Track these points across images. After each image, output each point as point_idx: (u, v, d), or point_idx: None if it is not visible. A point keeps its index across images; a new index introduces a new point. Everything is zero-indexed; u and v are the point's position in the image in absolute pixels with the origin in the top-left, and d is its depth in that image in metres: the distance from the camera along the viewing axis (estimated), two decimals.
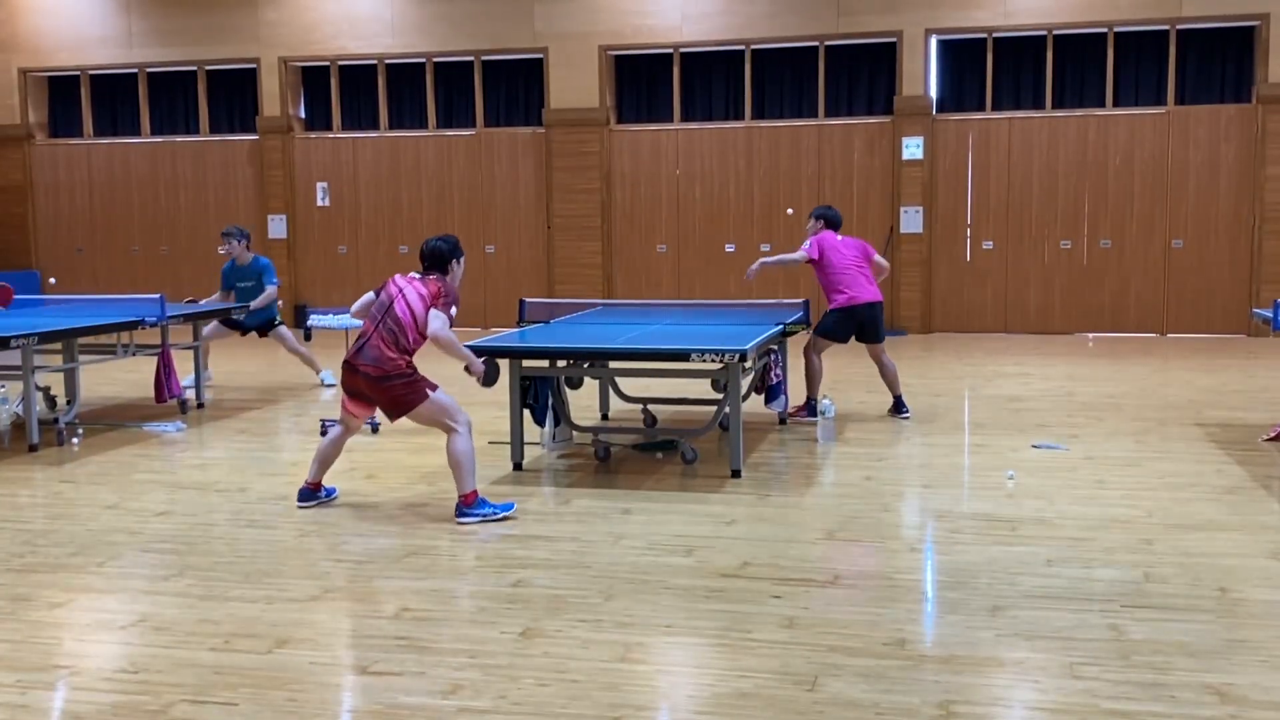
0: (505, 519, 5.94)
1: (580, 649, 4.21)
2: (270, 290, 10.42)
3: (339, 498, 6.43)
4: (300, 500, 6.28)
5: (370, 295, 6.24)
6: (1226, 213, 14.29)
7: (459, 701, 3.78)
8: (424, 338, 5.98)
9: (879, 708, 3.69)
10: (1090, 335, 14.49)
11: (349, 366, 6.00)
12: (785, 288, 14.57)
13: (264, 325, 10.52)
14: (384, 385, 5.92)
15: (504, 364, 7.13)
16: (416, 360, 6.04)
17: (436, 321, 5.89)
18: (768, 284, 14.70)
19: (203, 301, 10.62)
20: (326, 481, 6.41)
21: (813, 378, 8.89)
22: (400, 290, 6.06)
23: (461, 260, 6.29)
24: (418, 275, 6.16)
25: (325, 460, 6.29)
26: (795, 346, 9.03)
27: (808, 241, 8.91)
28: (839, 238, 8.90)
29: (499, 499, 6.16)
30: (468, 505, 5.92)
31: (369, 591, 4.94)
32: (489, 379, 6.31)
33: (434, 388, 5.99)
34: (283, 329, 10.58)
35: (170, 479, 7.11)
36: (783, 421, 8.64)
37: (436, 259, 6.18)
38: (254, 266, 10.50)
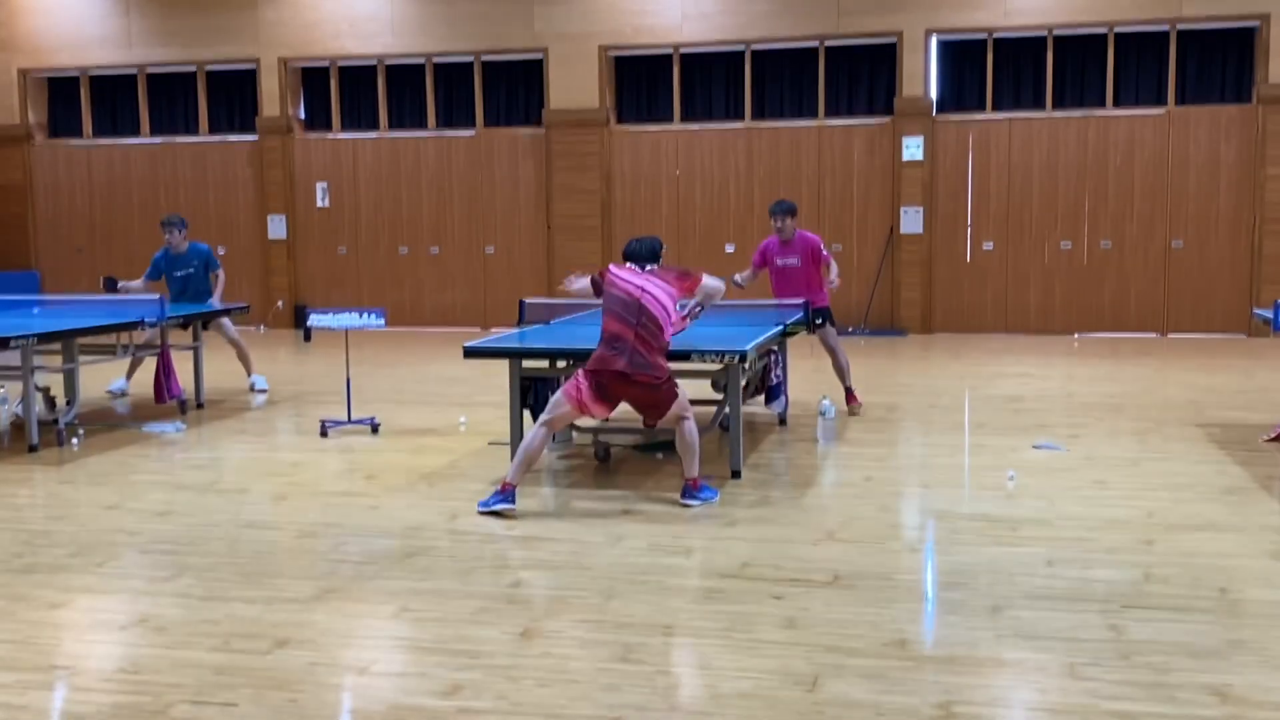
0: (714, 504, 6.18)
1: (580, 649, 4.21)
2: (221, 275, 10.27)
3: (341, 500, 6.42)
4: (494, 503, 6.01)
5: (585, 282, 6.39)
6: (1226, 213, 14.30)
7: (459, 701, 3.77)
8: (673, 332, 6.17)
9: (879, 708, 3.69)
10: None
11: (610, 374, 5.99)
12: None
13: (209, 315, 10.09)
14: (652, 392, 6.07)
15: (503, 364, 7.14)
16: None
17: (710, 282, 6.28)
18: (767, 284, 14.70)
19: (128, 283, 10.12)
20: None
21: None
22: (643, 289, 6.11)
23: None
24: (646, 267, 6.25)
25: (530, 461, 6.16)
26: (795, 347, 9.03)
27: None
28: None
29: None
30: (694, 488, 6.15)
31: (369, 591, 4.93)
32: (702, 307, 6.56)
33: (678, 385, 6.18)
34: (225, 319, 10.27)
35: (170, 479, 7.11)
36: (783, 421, 8.64)
37: (653, 253, 6.31)
38: (192, 253, 10.19)
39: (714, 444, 7.74)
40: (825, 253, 9.19)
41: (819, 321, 8.93)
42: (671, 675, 4.08)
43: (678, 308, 6.26)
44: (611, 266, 6.31)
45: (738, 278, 9.05)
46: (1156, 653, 4.09)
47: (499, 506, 5.96)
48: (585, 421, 8.15)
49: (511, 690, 3.86)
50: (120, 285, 10.05)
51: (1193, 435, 8.03)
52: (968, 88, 14.99)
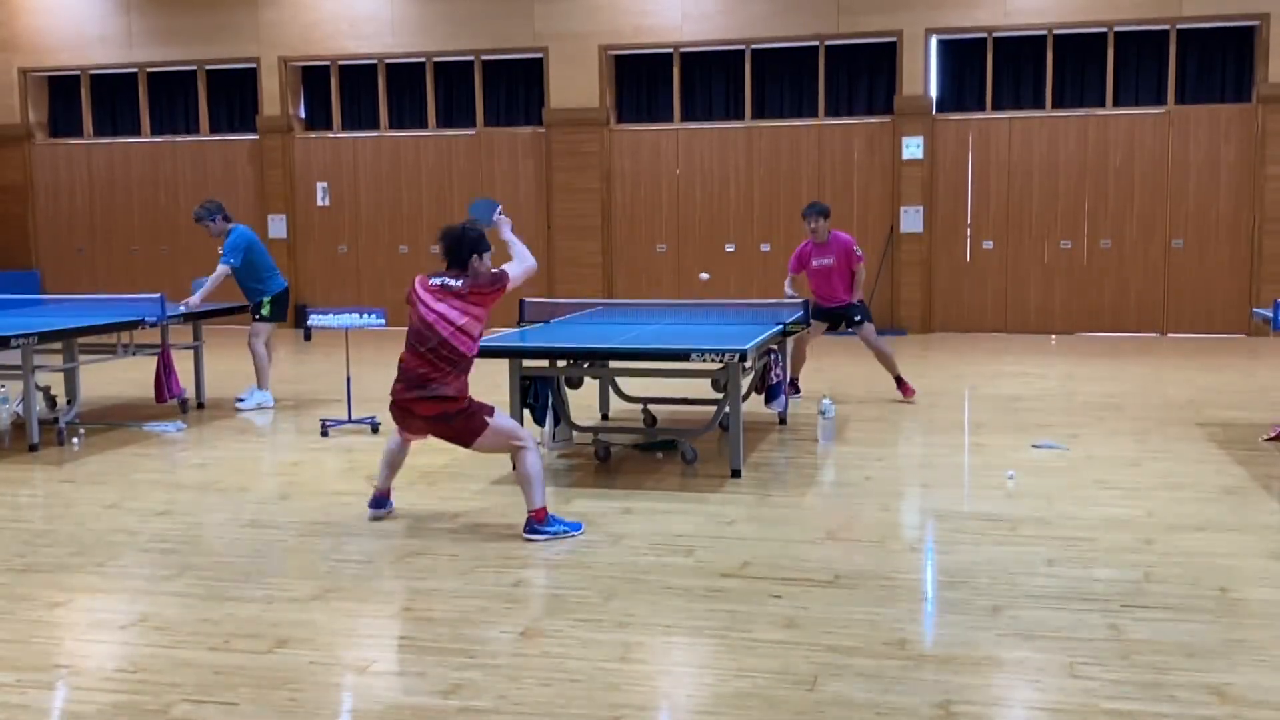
0: (574, 536, 5.61)
1: (580, 649, 4.21)
2: (219, 270, 9.33)
3: (341, 500, 6.42)
4: (372, 508, 6.01)
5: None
6: (1226, 213, 14.29)
7: (459, 701, 3.78)
8: (474, 342, 5.60)
9: (879, 708, 3.69)
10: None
11: (402, 408, 5.62)
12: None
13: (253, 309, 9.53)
14: (443, 424, 5.60)
15: (503, 364, 7.14)
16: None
17: (513, 270, 5.74)
18: (768, 282, 14.71)
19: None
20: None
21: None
22: (429, 308, 5.57)
23: (487, 254, 5.74)
24: (437, 281, 5.63)
25: (394, 465, 6.03)
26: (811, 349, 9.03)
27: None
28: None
29: (499, 498, 6.15)
30: (539, 522, 5.57)
31: (369, 591, 4.94)
32: (481, 210, 6.07)
33: (490, 412, 5.64)
34: (261, 325, 9.56)
35: (170, 479, 7.11)
36: (783, 421, 8.64)
37: (466, 245, 5.65)
38: (228, 240, 9.41)
39: (714, 444, 7.75)
40: (858, 252, 9.54)
41: (857, 319, 9.23)
42: (671, 675, 4.08)
43: (505, 270, 5.69)
44: (418, 281, 5.70)
45: (788, 290, 9.48)
46: (1156, 652, 4.10)
47: (381, 513, 5.98)
48: (585, 421, 8.16)
49: (511, 690, 3.86)
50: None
51: (1193, 435, 8.03)
52: (967, 87, 14.99)
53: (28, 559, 5.41)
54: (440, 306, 5.55)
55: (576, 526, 5.70)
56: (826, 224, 9.50)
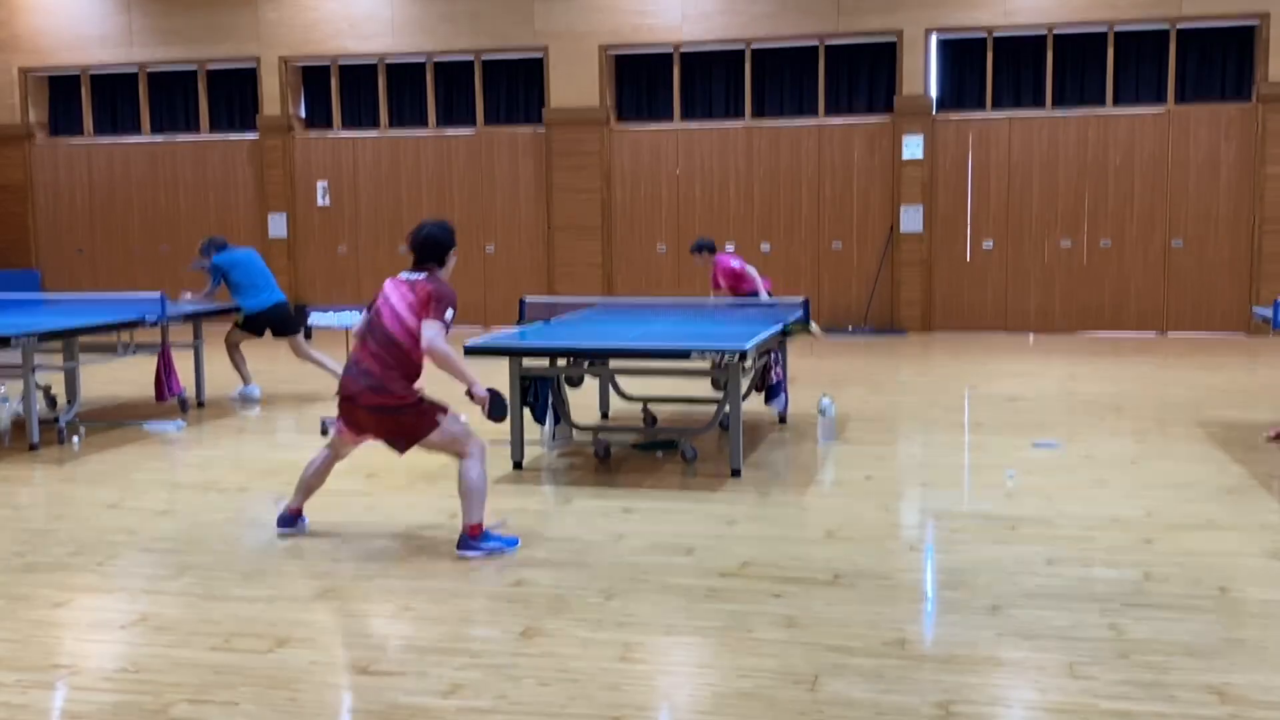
0: (509, 554, 5.38)
1: (580, 649, 4.21)
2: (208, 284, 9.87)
3: (309, 528, 6.40)
4: (280, 526, 5.74)
5: (368, 314, 5.52)
6: (1226, 212, 14.29)
7: (459, 701, 3.78)
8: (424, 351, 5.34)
9: (879, 707, 3.69)
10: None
11: (347, 400, 5.39)
12: (785, 286, 14.56)
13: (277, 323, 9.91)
14: (387, 417, 5.34)
15: (503, 364, 7.12)
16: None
17: (430, 332, 5.20)
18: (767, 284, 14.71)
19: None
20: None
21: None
22: (386, 299, 5.38)
23: (454, 252, 5.56)
24: (406, 276, 5.45)
25: (309, 487, 5.73)
26: (796, 346, 9.03)
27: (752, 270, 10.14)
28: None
29: (499, 498, 6.15)
30: (472, 538, 5.36)
31: (369, 591, 4.94)
32: (495, 410, 5.43)
33: (444, 411, 5.41)
34: (236, 330, 9.97)
35: (170, 479, 7.11)
36: (783, 421, 8.64)
37: (433, 249, 5.43)
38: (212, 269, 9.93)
39: (714, 443, 7.75)
40: (738, 269, 10.18)
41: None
42: (671, 675, 4.08)
43: (429, 321, 5.26)
44: (389, 279, 5.52)
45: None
46: (1156, 652, 4.10)
47: (290, 532, 5.72)
48: (585, 420, 8.16)
49: (511, 690, 3.86)
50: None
51: (1193, 434, 8.03)
52: (968, 87, 14.99)
53: (28, 559, 5.41)
54: (399, 304, 5.33)
55: (512, 543, 5.43)
56: (708, 256, 10.32)
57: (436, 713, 3.70)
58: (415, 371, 5.37)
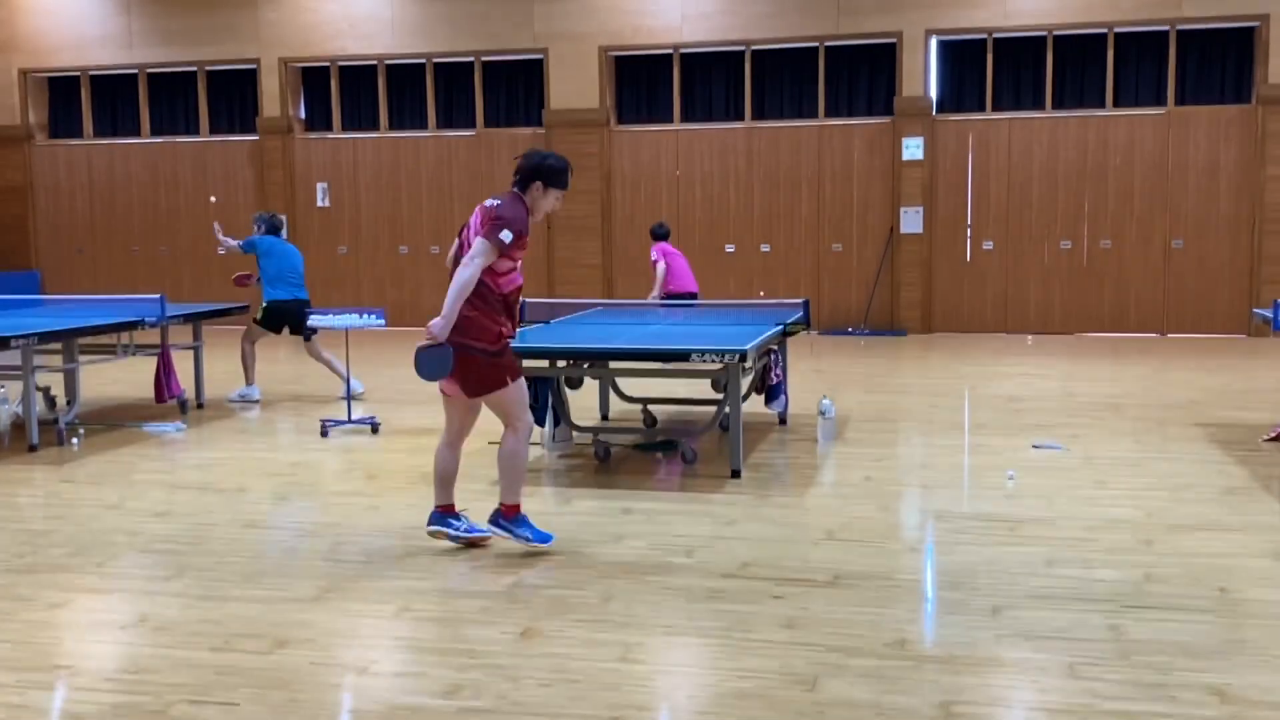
0: (538, 547, 5.31)
1: (580, 649, 4.21)
2: (234, 244, 9.86)
3: (341, 500, 6.41)
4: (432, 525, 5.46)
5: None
6: (1226, 213, 14.29)
7: (459, 701, 3.77)
8: (504, 283, 5.09)
9: (879, 708, 3.69)
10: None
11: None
12: (785, 287, 14.57)
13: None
14: (464, 356, 5.04)
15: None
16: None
17: (473, 250, 4.96)
18: (768, 283, 14.73)
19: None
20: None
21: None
22: (468, 226, 5.16)
23: (552, 190, 5.17)
24: (490, 201, 5.16)
25: (446, 478, 5.42)
26: (796, 346, 9.03)
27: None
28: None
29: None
30: (506, 518, 5.29)
31: (369, 591, 4.93)
32: (428, 367, 5.07)
33: (516, 376, 5.24)
34: (255, 327, 9.91)
35: (170, 479, 7.11)
36: (783, 421, 8.64)
37: (520, 172, 5.16)
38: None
39: (714, 444, 7.75)
40: (654, 257, 10.63)
41: None
42: (671, 675, 4.08)
43: (481, 239, 5.02)
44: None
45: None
46: (1156, 652, 4.10)
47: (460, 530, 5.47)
48: (585, 421, 8.16)
49: (511, 690, 3.86)
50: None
51: (1193, 435, 8.03)
52: (967, 88, 14.99)
53: (28, 559, 5.41)
54: (472, 233, 5.10)
55: (547, 538, 5.33)
56: (654, 242, 10.73)
57: (436, 713, 3.70)
58: (495, 308, 5.09)
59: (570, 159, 5.49)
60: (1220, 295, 14.34)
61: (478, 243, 4.99)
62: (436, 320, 4.99)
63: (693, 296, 10.62)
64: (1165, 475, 6.89)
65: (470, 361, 5.07)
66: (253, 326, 9.90)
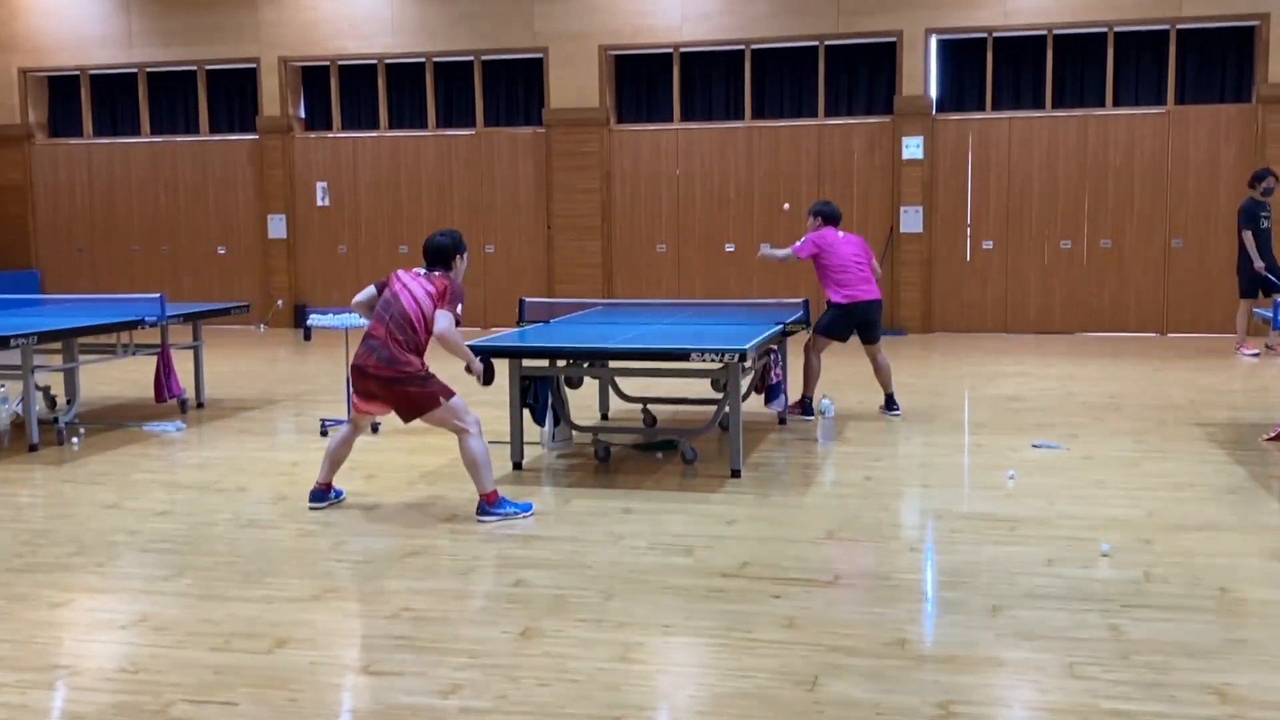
0: (524, 518, 5.97)
1: (580, 649, 4.21)
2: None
3: (346, 499, 6.41)
4: (312, 501, 6.25)
5: (372, 290, 6.22)
6: (1226, 213, 14.25)
7: (459, 701, 3.78)
8: (431, 335, 5.99)
9: (879, 708, 3.69)
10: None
11: (359, 370, 5.99)
12: (785, 287, 14.56)
13: None
14: (397, 388, 5.92)
15: (502, 364, 7.13)
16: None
17: (443, 321, 5.88)
18: (768, 283, 14.72)
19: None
20: (335, 482, 6.37)
21: (810, 377, 8.92)
22: (405, 286, 6.02)
23: (465, 255, 6.23)
24: (422, 271, 6.10)
25: (336, 460, 6.28)
26: (795, 345, 9.04)
27: (802, 239, 8.94)
28: (840, 234, 8.89)
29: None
30: (489, 504, 5.95)
31: (369, 591, 4.94)
32: (487, 378, 6.30)
33: (449, 394, 5.97)
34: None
35: (170, 479, 7.11)
36: (782, 421, 8.64)
37: (440, 255, 6.10)
38: None
39: (714, 444, 7.75)
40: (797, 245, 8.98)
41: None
42: (671, 675, 4.08)
43: (443, 311, 5.92)
44: (400, 271, 6.19)
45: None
46: (1156, 652, 4.10)
47: (323, 505, 6.25)
48: (585, 421, 8.16)
49: (511, 690, 3.86)
50: None
51: (1193, 435, 8.03)
52: (967, 87, 14.99)
53: (28, 559, 5.41)
54: (419, 292, 5.98)
55: (526, 507, 6.05)
56: (812, 222, 8.94)
57: (436, 713, 3.70)
58: (421, 350, 6.01)
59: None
60: (1220, 295, 14.32)
61: (447, 316, 5.91)
62: (472, 361, 6.11)
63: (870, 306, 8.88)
64: (1165, 475, 6.89)
65: (404, 393, 5.94)
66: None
